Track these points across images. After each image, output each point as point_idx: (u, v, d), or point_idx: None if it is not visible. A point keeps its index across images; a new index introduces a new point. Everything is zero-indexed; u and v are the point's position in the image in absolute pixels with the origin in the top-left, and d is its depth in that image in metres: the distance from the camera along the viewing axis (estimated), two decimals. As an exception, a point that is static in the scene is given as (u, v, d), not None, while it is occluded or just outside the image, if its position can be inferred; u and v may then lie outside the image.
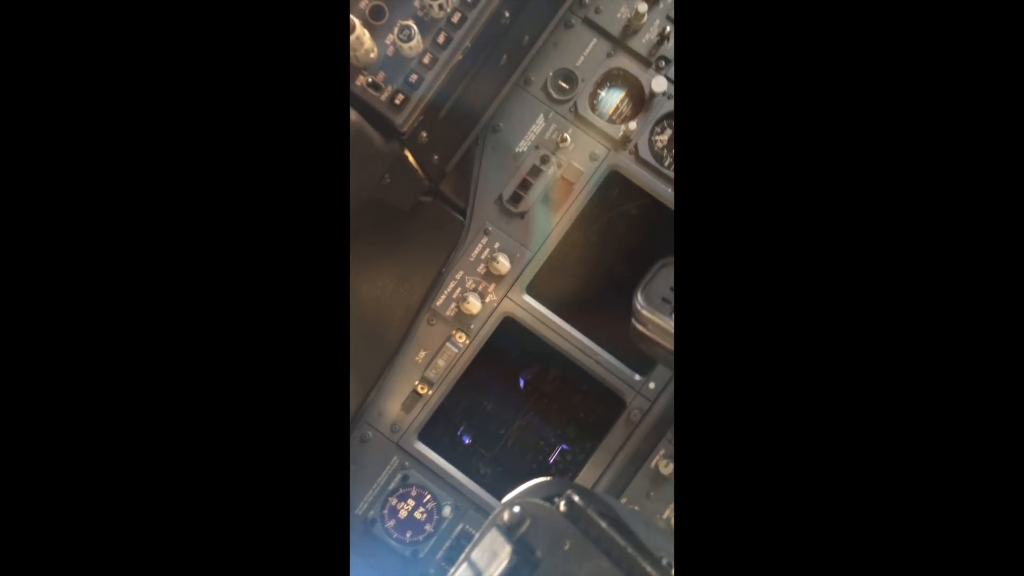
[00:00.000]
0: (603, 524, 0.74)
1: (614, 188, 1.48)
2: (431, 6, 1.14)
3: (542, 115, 1.46)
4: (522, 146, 1.46)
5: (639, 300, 1.30)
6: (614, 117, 1.47)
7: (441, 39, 1.16)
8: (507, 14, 1.25)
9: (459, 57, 1.18)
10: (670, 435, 1.39)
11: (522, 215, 1.45)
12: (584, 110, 1.45)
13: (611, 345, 1.42)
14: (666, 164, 1.44)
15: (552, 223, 1.45)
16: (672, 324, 1.28)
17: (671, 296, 1.28)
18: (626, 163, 1.45)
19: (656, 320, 1.28)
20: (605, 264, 1.51)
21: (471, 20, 1.17)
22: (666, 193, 1.43)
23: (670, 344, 1.30)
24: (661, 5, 1.44)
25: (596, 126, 1.44)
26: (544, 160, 1.44)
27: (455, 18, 1.16)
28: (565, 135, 1.44)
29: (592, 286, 1.50)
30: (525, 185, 1.45)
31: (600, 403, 1.49)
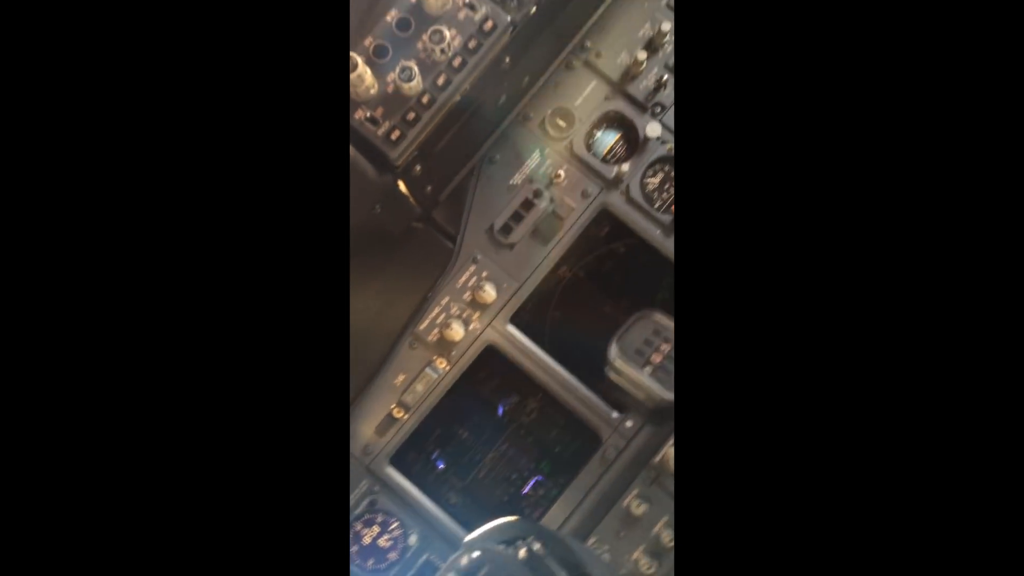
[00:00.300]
0: (561, 575, 0.73)
1: (604, 226, 1.51)
2: (433, 49, 1.17)
3: (538, 150, 1.48)
4: (516, 179, 1.48)
5: (614, 350, 1.32)
6: (608, 157, 1.50)
7: (440, 81, 1.19)
8: (508, 59, 1.28)
9: (457, 98, 1.21)
10: (644, 475, 1.38)
11: (511, 246, 1.46)
12: (579, 149, 1.48)
13: (591, 381, 1.42)
14: (656, 206, 1.47)
15: (541, 256, 1.47)
16: (644, 376, 1.30)
17: (644, 349, 1.32)
18: (617, 203, 1.47)
19: (628, 372, 1.31)
20: (590, 300, 1.52)
21: (471, 65, 1.20)
22: (655, 234, 1.46)
23: (641, 395, 1.32)
24: (660, 54, 1.48)
25: (590, 165, 1.47)
26: (537, 194, 1.46)
27: (456, 62, 1.19)
28: (559, 171, 1.46)
29: (576, 321, 1.51)
30: (517, 217, 1.47)
31: (576, 438, 1.48)
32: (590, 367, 1.42)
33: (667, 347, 1.34)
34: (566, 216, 1.47)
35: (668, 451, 1.36)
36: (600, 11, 1.49)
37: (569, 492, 1.40)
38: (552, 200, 1.47)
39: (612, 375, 1.35)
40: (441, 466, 1.51)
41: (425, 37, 1.17)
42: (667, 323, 1.35)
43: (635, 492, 1.38)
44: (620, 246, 1.51)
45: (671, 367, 1.32)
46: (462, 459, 1.50)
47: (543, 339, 1.47)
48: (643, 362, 1.32)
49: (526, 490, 1.49)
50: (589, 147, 1.49)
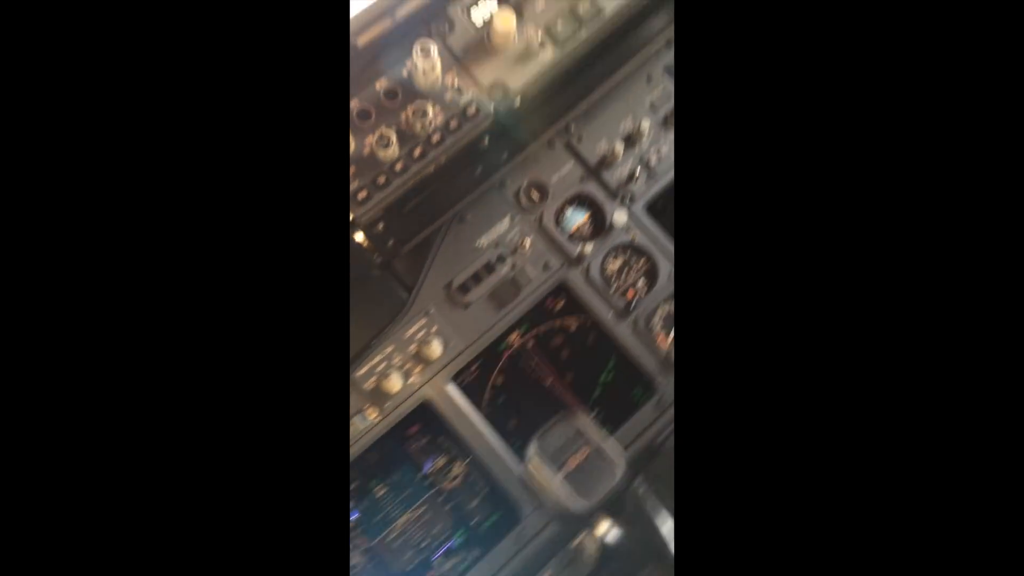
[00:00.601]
0: None
1: (560, 300, 1.52)
2: (415, 123, 1.19)
3: (508, 217, 1.51)
4: (483, 241, 1.50)
5: (532, 448, 1.30)
6: (574, 235, 1.54)
7: (417, 153, 1.20)
8: (487, 140, 1.32)
9: (431, 169, 1.22)
10: (559, 559, 1.33)
11: (466, 306, 1.46)
12: (548, 223, 1.51)
13: (522, 453, 1.38)
14: (612, 290, 1.50)
15: (494, 320, 1.46)
16: (555, 480, 1.28)
17: (562, 452, 1.30)
18: (576, 280, 1.50)
19: (542, 473, 1.28)
20: (535, 371, 1.51)
21: (449, 143, 1.22)
22: (606, 317, 1.48)
23: (550, 499, 1.29)
24: (636, 149, 1.57)
25: (556, 240, 1.51)
26: (500, 259, 1.48)
27: (435, 138, 1.21)
28: (526, 241, 1.49)
29: (518, 390, 1.48)
30: (477, 277, 1.47)
31: (496, 511, 1.42)
32: (523, 439, 1.39)
33: (585, 452, 1.32)
34: (525, 285, 1.48)
35: (584, 538, 1.31)
36: (588, 100, 1.58)
37: (480, 567, 1.32)
38: (514, 267, 1.48)
39: (526, 473, 1.32)
40: (354, 516, 1.41)
41: (409, 109, 1.19)
42: (590, 427, 1.34)
43: (548, 574, 1.32)
44: (572, 322, 1.52)
45: (586, 474, 1.29)
46: (374, 518, 1.41)
47: (481, 403, 1.44)
48: (559, 465, 1.29)
49: (435, 557, 1.40)
50: (558, 222, 1.53)
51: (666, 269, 1.53)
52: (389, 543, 1.40)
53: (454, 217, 1.50)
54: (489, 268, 1.48)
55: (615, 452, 1.33)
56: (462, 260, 1.48)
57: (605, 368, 1.50)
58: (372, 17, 1.13)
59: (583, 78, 1.48)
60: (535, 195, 1.54)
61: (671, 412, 1.48)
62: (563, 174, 1.55)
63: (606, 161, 1.55)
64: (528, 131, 1.51)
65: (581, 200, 1.55)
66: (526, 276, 1.48)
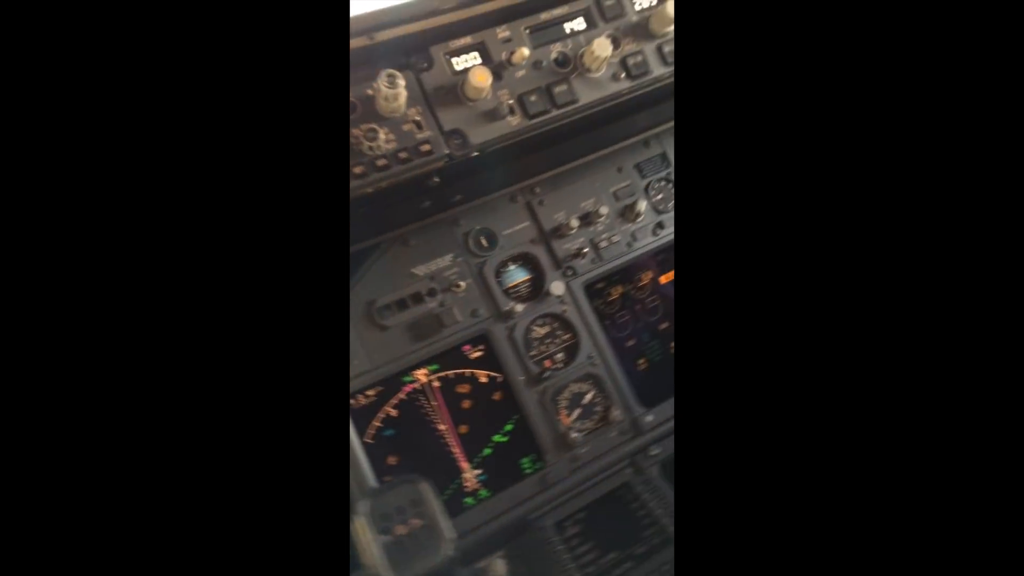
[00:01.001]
0: None
1: (478, 350, 1.51)
2: (363, 142, 1.17)
3: (452, 255, 1.52)
4: (420, 270, 1.50)
5: (363, 505, 1.18)
6: (510, 292, 1.54)
7: (357, 171, 1.17)
8: (437, 179, 1.31)
9: (368, 191, 1.19)
10: None
11: (384, 328, 1.44)
12: (488, 272, 1.52)
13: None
14: (531, 354, 1.50)
15: (407, 351, 1.45)
16: (375, 545, 1.19)
17: (393, 516, 1.21)
18: (498, 335, 1.49)
19: (364, 534, 1.15)
20: (431, 413, 1.48)
21: (393, 172, 1.19)
22: (517, 379, 1.47)
23: (365, 561, 1.21)
24: (590, 229, 1.59)
25: (491, 290, 1.51)
26: (431, 293, 1.48)
27: (380, 163, 1.18)
28: (461, 283, 1.49)
29: (407, 427, 1.45)
30: (402, 304, 1.46)
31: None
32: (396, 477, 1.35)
33: (416, 524, 1.24)
34: (448, 325, 1.47)
35: None
36: (558, 170, 1.61)
37: None
38: (442, 304, 1.48)
39: (351, 528, 1.26)
40: None
41: (362, 127, 1.17)
42: (431, 499, 1.26)
43: None
44: (483, 375, 1.50)
45: (409, 547, 1.18)
46: None
47: (365, 431, 1.41)
48: (385, 529, 1.18)
49: None
50: (497, 275, 1.53)
51: (586, 349, 1.52)
52: None
53: (397, 239, 1.50)
54: (417, 298, 1.47)
55: (448, 532, 1.27)
56: (393, 282, 1.48)
57: (502, 429, 1.48)
58: (352, 31, 1.15)
59: (551, 150, 1.50)
60: (484, 242, 1.55)
61: (554, 490, 1.45)
62: (516, 230, 1.57)
63: (560, 231, 1.57)
64: (484, 182, 1.52)
65: (526, 260, 1.57)
66: (452, 317, 1.48)
